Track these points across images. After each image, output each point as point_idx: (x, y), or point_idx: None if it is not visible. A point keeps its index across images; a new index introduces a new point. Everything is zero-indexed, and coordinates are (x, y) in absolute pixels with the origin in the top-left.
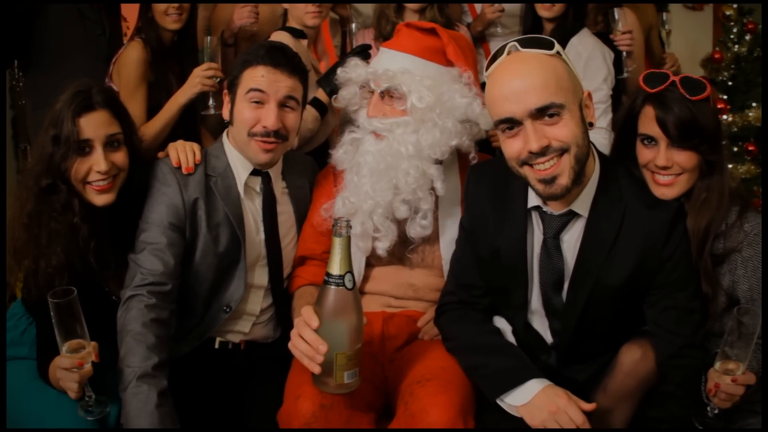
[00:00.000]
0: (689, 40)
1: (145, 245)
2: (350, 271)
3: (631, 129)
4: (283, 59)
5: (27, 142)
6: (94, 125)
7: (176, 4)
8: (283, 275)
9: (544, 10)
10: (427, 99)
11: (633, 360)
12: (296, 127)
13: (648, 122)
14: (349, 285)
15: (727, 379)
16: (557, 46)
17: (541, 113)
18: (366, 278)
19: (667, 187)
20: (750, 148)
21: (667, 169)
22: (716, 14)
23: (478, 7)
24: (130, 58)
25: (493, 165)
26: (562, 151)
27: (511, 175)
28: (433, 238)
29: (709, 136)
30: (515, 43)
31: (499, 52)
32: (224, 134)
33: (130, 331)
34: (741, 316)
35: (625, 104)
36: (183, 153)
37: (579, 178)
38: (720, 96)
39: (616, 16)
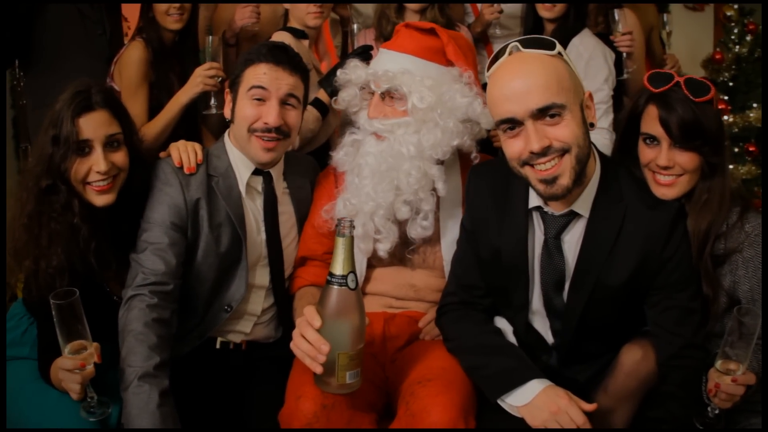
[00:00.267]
0: (690, 41)
1: (147, 245)
2: (353, 271)
3: (634, 128)
4: (284, 57)
5: (28, 142)
6: (94, 125)
7: (177, 4)
8: (285, 275)
9: (545, 11)
10: (428, 99)
11: (634, 360)
12: (297, 124)
13: (651, 122)
14: (351, 285)
15: (727, 379)
16: (559, 47)
17: (543, 113)
18: (367, 279)
19: (667, 187)
20: (751, 148)
21: (669, 169)
22: (717, 15)
23: (480, 7)
24: (132, 58)
25: (494, 165)
26: (563, 152)
27: (512, 176)
28: (434, 239)
29: (712, 137)
30: (517, 44)
31: (500, 53)
32: (226, 134)
33: (131, 330)
34: (741, 317)
35: (628, 104)
36: (185, 153)
37: (580, 178)
38: (721, 97)
39: (617, 17)
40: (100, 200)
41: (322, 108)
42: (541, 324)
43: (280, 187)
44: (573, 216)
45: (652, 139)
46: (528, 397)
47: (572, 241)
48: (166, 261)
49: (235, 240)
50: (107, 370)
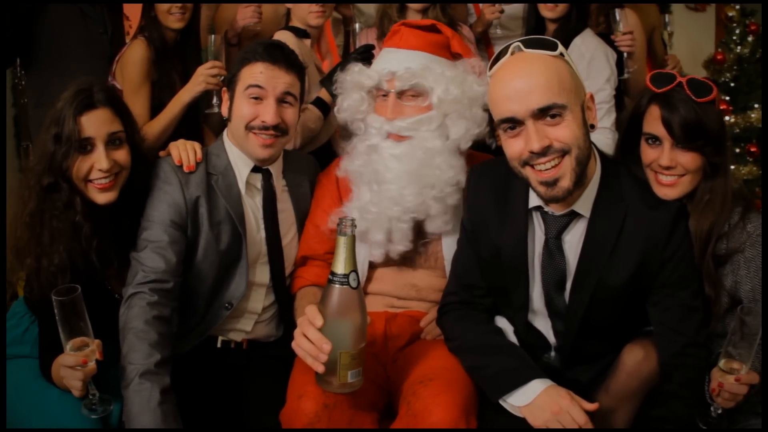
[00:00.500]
0: (691, 41)
1: (147, 243)
2: (355, 270)
3: (636, 128)
4: (280, 56)
5: (29, 140)
6: (96, 123)
7: (179, 4)
8: (285, 273)
9: (547, 11)
10: (453, 91)
11: (636, 360)
12: (295, 121)
13: (653, 122)
14: (353, 284)
15: (730, 378)
16: (560, 48)
17: (543, 113)
18: (369, 279)
19: (669, 187)
20: (752, 149)
21: (671, 169)
22: (718, 15)
23: (482, 7)
24: (134, 57)
25: (494, 165)
26: (564, 153)
27: (512, 175)
28: (435, 239)
29: (714, 138)
30: (519, 44)
31: (502, 53)
32: (224, 133)
33: (132, 328)
34: (744, 316)
35: (629, 104)
36: (184, 151)
37: (581, 180)
38: (722, 97)
39: (617, 17)
40: (101, 198)
41: (324, 107)
42: (543, 324)
43: (280, 184)
44: (574, 216)
45: (655, 139)
46: (529, 397)
47: (573, 241)
48: (166, 259)
49: (235, 237)
50: (109, 369)
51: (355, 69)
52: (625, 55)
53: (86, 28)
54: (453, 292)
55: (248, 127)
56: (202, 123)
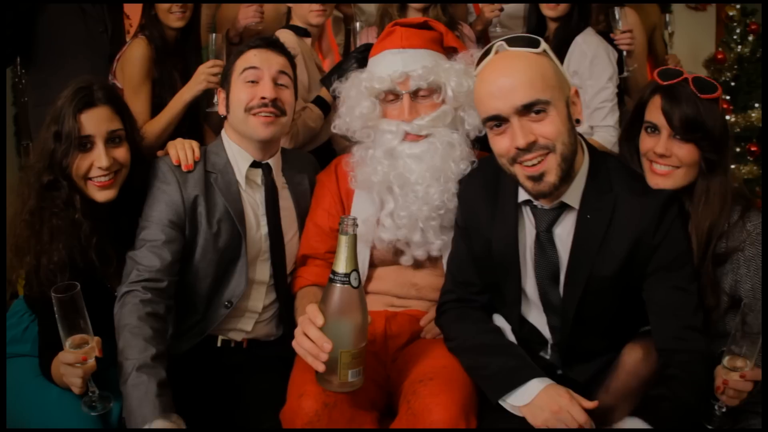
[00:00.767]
0: (692, 41)
1: (144, 242)
2: (356, 270)
3: (639, 118)
4: (271, 42)
5: (29, 139)
6: (96, 121)
7: (180, 3)
8: (287, 270)
9: (548, 10)
10: (465, 83)
11: (635, 359)
12: (292, 103)
13: (654, 110)
14: (354, 283)
15: (735, 375)
16: (543, 45)
17: (527, 110)
18: (369, 278)
19: (662, 177)
20: (752, 148)
21: (666, 158)
22: (719, 15)
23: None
24: (134, 56)
25: (484, 162)
26: (548, 149)
27: (502, 171)
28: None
29: (713, 135)
30: (502, 42)
31: (486, 52)
32: (223, 131)
33: (126, 325)
34: (747, 314)
35: (629, 103)
36: (182, 151)
37: (568, 175)
38: (723, 97)
39: (617, 16)
40: (101, 196)
41: (324, 106)
42: (539, 320)
43: (279, 182)
44: (563, 208)
45: (654, 128)
46: (529, 397)
47: (564, 233)
48: (161, 258)
49: (235, 235)
50: (108, 367)
51: (362, 76)
52: (624, 53)
53: (86, 27)
54: (450, 290)
55: (247, 109)
56: (202, 122)
